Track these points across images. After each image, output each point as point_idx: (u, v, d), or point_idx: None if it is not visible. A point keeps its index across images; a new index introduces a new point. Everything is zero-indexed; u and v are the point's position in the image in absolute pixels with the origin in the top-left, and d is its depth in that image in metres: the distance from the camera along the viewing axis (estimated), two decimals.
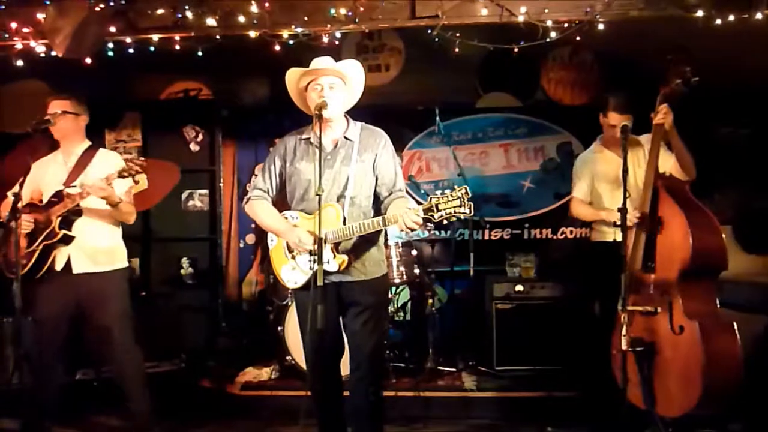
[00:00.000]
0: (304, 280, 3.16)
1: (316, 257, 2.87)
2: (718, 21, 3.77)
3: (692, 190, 3.52)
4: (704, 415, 3.38)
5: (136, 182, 3.74)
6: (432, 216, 2.88)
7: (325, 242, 3.00)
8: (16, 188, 3.49)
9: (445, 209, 2.86)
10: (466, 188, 2.85)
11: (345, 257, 3.08)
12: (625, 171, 3.38)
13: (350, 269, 3.12)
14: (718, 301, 3.34)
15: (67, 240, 3.63)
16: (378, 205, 3.25)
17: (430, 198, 2.89)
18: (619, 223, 3.35)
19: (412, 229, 2.94)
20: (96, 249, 3.72)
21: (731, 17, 3.75)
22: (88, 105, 3.83)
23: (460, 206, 2.84)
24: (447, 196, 2.86)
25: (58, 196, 3.65)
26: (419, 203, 5.25)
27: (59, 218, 3.60)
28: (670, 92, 3.44)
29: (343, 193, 3.13)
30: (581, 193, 3.98)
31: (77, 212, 3.65)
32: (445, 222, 2.89)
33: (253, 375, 4.69)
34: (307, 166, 3.18)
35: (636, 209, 3.47)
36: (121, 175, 3.50)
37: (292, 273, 3.21)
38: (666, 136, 3.54)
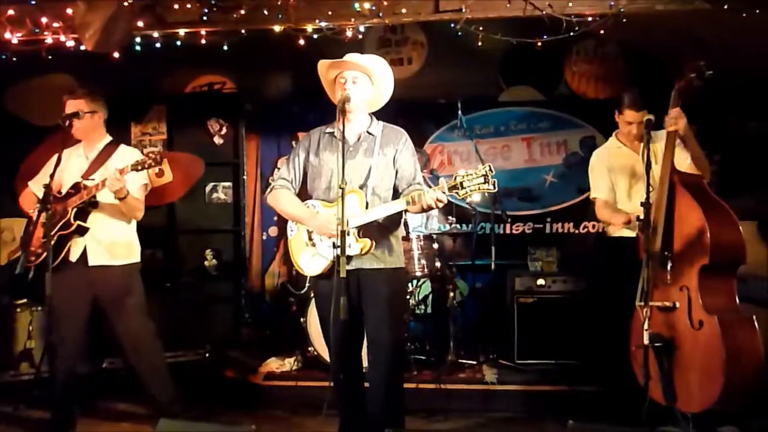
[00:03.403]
0: (324, 266, 3.21)
1: (338, 248, 2.91)
2: (745, 14, 3.72)
3: (718, 184, 3.50)
4: (725, 411, 3.36)
5: (161, 174, 3.78)
6: (457, 193, 2.92)
7: (349, 227, 3.04)
8: (40, 178, 3.56)
9: (469, 186, 2.90)
10: (489, 165, 2.89)
11: (367, 240, 3.12)
12: (648, 166, 3.36)
13: (370, 256, 3.17)
14: (737, 296, 3.32)
15: (82, 231, 3.69)
16: (396, 198, 3.28)
17: (455, 176, 2.93)
18: (637, 221, 3.34)
19: (436, 207, 2.98)
20: (111, 242, 3.78)
21: (758, 11, 3.70)
22: (108, 99, 3.89)
23: (484, 182, 2.88)
24: (471, 174, 2.90)
25: (76, 187, 3.72)
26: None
27: (75, 209, 3.66)
28: (685, 86, 3.42)
29: (366, 182, 3.19)
30: (603, 193, 3.94)
31: (93, 204, 3.71)
32: (469, 199, 2.91)
33: (275, 365, 4.74)
34: (330, 156, 3.26)
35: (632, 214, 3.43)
36: (135, 168, 3.53)
37: (312, 260, 3.26)
38: (682, 139, 3.51)
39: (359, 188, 3.19)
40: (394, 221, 3.25)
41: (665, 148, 3.50)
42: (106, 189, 3.58)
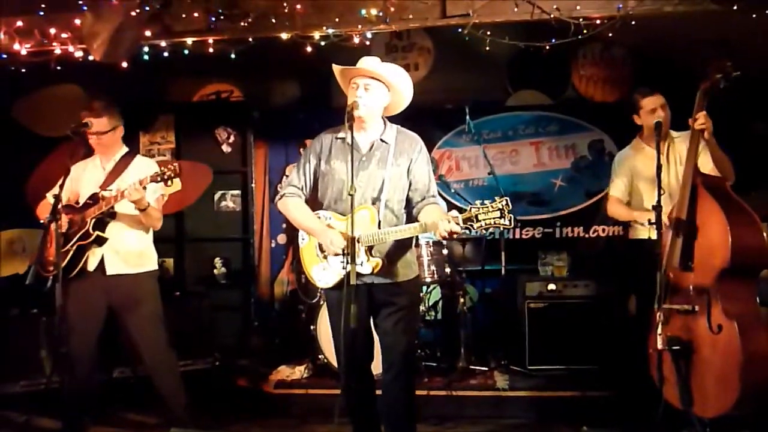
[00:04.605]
0: (336, 280, 3.16)
1: (348, 257, 2.89)
2: (754, 15, 3.70)
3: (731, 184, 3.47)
4: (742, 416, 3.33)
5: (169, 185, 3.79)
6: (471, 226, 2.88)
7: (360, 244, 3.01)
8: (56, 190, 3.57)
9: (485, 220, 2.85)
10: (506, 199, 2.84)
11: (379, 260, 3.08)
12: (659, 168, 3.35)
13: (383, 271, 3.12)
14: (758, 300, 3.29)
15: (101, 241, 3.71)
16: (409, 209, 3.25)
17: (470, 208, 2.89)
18: (652, 221, 3.32)
19: (449, 237, 2.93)
20: (129, 251, 3.80)
21: None
22: (122, 110, 3.89)
23: (500, 217, 2.83)
24: (487, 207, 2.85)
25: (94, 198, 3.74)
26: (449, 204, 5.30)
27: (93, 220, 3.68)
28: (710, 87, 3.38)
29: (379, 196, 3.14)
30: (618, 192, 3.93)
31: (111, 214, 3.73)
32: (484, 232, 2.88)
33: (286, 373, 4.71)
34: (341, 165, 3.18)
35: (671, 215, 3.41)
36: (154, 179, 3.55)
37: (324, 273, 3.22)
38: (706, 143, 3.48)
39: (372, 203, 3.13)
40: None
41: (689, 148, 3.47)
42: (124, 200, 3.60)
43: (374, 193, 3.15)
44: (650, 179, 3.77)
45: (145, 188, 3.59)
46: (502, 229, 2.86)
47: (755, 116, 5.09)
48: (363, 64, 3.16)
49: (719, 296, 3.20)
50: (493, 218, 2.84)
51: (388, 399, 3.20)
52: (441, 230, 2.90)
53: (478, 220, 2.86)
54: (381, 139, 3.21)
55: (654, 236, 3.39)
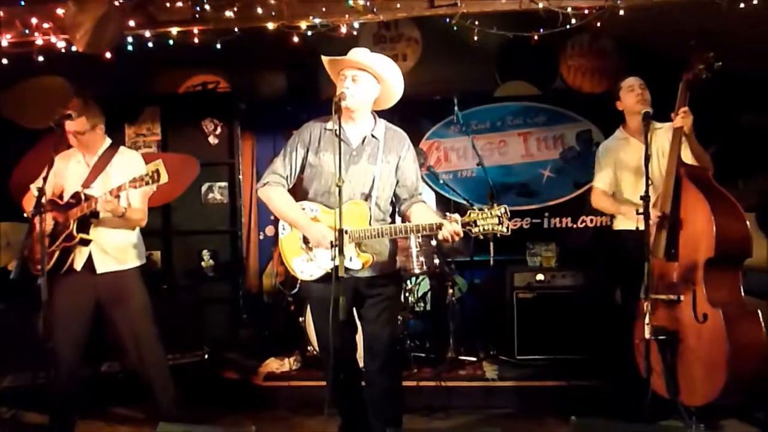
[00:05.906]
0: (321, 273, 3.15)
1: (336, 250, 2.87)
2: (742, 5, 3.71)
3: (716, 176, 3.49)
4: (728, 404, 3.36)
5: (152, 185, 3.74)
6: (470, 230, 2.91)
7: (350, 239, 3.00)
8: (40, 182, 3.53)
9: (483, 225, 2.89)
10: (505, 207, 2.88)
11: (369, 256, 3.08)
12: (647, 158, 3.35)
13: (371, 266, 3.13)
14: (742, 289, 3.31)
15: (85, 243, 3.68)
16: (395, 206, 3.27)
17: (469, 213, 2.92)
18: (640, 212, 3.33)
19: (450, 240, 2.93)
20: (116, 248, 3.77)
21: (755, 1, 3.69)
22: (100, 101, 3.83)
23: (498, 224, 2.87)
24: (486, 213, 2.88)
25: (76, 197, 3.68)
26: (438, 195, 5.28)
27: (76, 221, 3.63)
28: (693, 78, 3.40)
29: (370, 193, 3.13)
30: (603, 184, 3.93)
31: (95, 215, 3.67)
32: (481, 237, 2.92)
33: (275, 366, 4.71)
34: (331, 158, 3.11)
35: (655, 206, 3.42)
36: (133, 185, 3.49)
37: (308, 265, 3.19)
38: (686, 137, 3.50)
39: (363, 199, 3.13)
40: None
41: (671, 144, 3.49)
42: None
43: (364, 188, 3.14)
44: (634, 170, 3.78)
45: (117, 197, 3.52)
46: (499, 236, 2.89)
47: (742, 107, 5.11)
48: (352, 55, 3.14)
49: (704, 285, 3.23)
50: (491, 224, 2.88)
51: (374, 390, 3.20)
52: (445, 232, 2.91)
53: (476, 225, 2.90)
54: (372, 135, 3.19)
55: (641, 227, 3.39)
